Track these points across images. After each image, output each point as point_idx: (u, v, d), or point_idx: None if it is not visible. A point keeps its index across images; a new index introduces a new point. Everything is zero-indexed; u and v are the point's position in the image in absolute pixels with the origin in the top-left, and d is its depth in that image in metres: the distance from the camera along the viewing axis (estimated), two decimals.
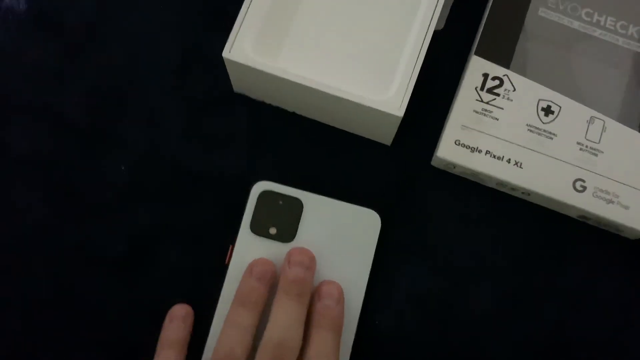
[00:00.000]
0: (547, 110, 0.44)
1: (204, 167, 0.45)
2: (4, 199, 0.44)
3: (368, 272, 0.41)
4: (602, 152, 0.43)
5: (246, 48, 0.41)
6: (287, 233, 0.41)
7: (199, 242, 0.43)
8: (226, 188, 0.44)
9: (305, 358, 0.37)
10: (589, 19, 0.45)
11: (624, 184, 0.42)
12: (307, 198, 0.42)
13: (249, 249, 0.41)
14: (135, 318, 0.42)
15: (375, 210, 0.42)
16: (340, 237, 0.42)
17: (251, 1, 0.42)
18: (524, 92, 0.44)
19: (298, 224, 0.42)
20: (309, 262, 0.40)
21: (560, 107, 0.44)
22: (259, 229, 0.41)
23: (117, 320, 0.42)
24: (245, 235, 0.41)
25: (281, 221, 0.42)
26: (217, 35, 0.46)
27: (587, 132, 0.43)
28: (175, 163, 0.45)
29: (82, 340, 0.42)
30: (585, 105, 0.44)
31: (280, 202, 0.42)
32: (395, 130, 0.43)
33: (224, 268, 0.41)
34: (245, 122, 0.46)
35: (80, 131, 0.45)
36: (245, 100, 0.46)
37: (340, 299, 0.40)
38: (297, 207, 0.42)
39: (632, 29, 0.45)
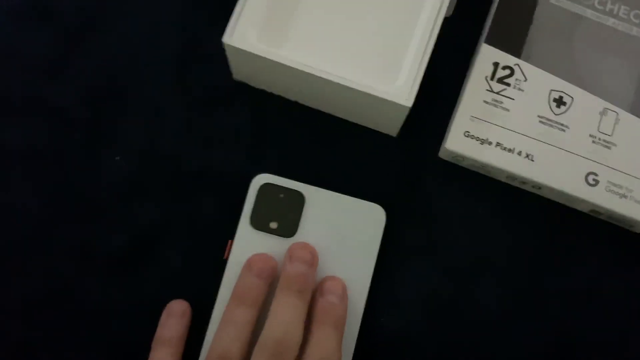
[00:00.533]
0: (559, 102, 0.42)
1: (205, 162, 0.43)
2: (0, 197, 0.43)
3: (372, 268, 0.40)
4: (615, 145, 0.42)
5: (248, 34, 0.39)
6: (288, 227, 0.40)
7: (200, 240, 0.42)
8: (228, 184, 0.43)
9: (306, 355, 0.36)
10: (602, 8, 0.44)
11: (637, 178, 0.41)
12: (309, 191, 0.41)
13: (248, 243, 0.40)
14: (135, 317, 0.41)
15: (379, 204, 0.41)
16: (343, 232, 0.40)
17: None
18: (535, 82, 0.42)
19: (300, 218, 0.40)
20: (311, 257, 0.39)
21: (573, 98, 0.42)
22: (259, 223, 0.40)
23: (117, 319, 0.41)
24: (244, 229, 0.40)
25: (282, 215, 0.40)
26: (218, 28, 0.45)
27: (599, 124, 0.42)
28: (176, 159, 0.44)
29: (82, 340, 0.41)
30: (598, 96, 0.42)
31: (281, 196, 0.40)
32: (402, 121, 0.41)
33: (224, 264, 0.40)
34: (247, 116, 0.44)
35: (78, 126, 0.44)
36: (246, 95, 0.45)
37: (344, 295, 0.38)
38: (298, 200, 0.40)
39: None
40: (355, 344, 0.39)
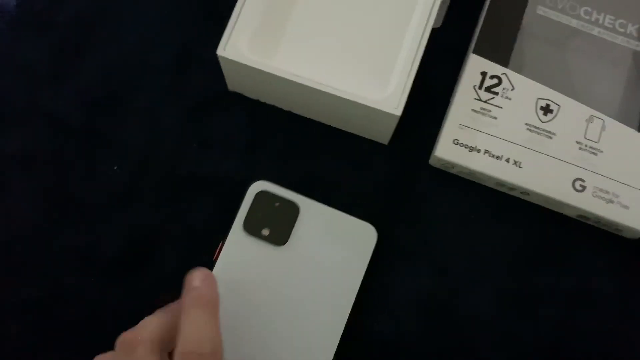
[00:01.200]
0: (546, 109, 0.43)
1: (201, 168, 0.44)
2: None
3: (358, 286, 0.40)
4: (602, 152, 0.42)
5: (241, 46, 0.40)
6: (279, 236, 0.41)
7: (196, 243, 0.43)
8: (223, 189, 0.44)
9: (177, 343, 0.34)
10: (587, 17, 0.45)
11: (623, 184, 0.42)
12: (305, 203, 0.41)
13: (239, 247, 0.40)
14: (133, 319, 0.41)
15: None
16: (334, 247, 0.41)
17: None
18: (522, 90, 0.43)
19: (292, 228, 0.41)
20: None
21: (560, 106, 0.43)
22: (252, 228, 0.41)
23: (115, 322, 0.41)
24: (237, 233, 0.41)
25: (275, 223, 0.41)
26: (213, 35, 0.46)
27: (586, 131, 0.43)
28: (172, 164, 0.44)
29: (81, 342, 0.41)
30: (585, 104, 0.43)
31: (277, 204, 0.41)
32: (392, 129, 0.42)
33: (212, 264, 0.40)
34: (242, 122, 0.45)
35: (75, 132, 0.45)
36: (241, 101, 0.45)
37: (205, 278, 0.36)
38: (293, 211, 0.41)
39: (630, 28, 0.45)
40: (352, 348, 0.40)
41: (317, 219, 0.41)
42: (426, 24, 0.41)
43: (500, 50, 0.44)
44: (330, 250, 0.41)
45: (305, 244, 0.41)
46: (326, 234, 0.41)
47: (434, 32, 0.42)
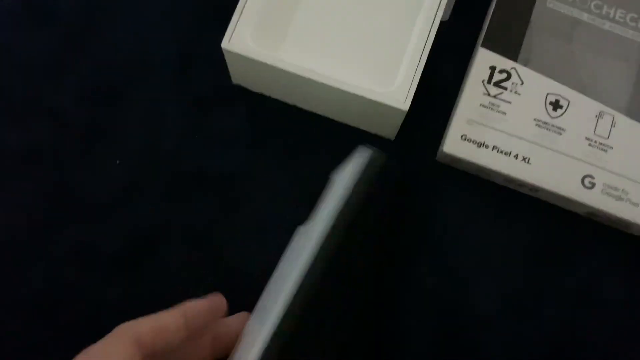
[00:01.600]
0: (556, 105, 0.42)
1: (204, 163, 0.44)
2: (0, 198, 0.43)
3: (330, 218, 0.34)
4: (612, 148, 0.42)
5: (246, 38, 0.40)
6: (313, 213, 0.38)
7: (199, 240, 0.42)
8: (225, 185, 0.43)
9: None
10: (598, 11, 0.44)
11: (633, 181, 0.41)
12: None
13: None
14: (135, 317, 0.41)
15: None
16: (333, 192, 0.36)
17: None
18: (532, 85, 0.43)
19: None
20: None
21: (569, 102, 0.42)
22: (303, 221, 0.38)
23: (116, 321, 0.41)
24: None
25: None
26: (217, 30, 0.45)
27: (596, 127, 0.42)
28: (175, 160, 0.44)
29: (83, 341, 0.41)
30: (594, 99, 0.43)
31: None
32: (399, 124, 0.42)
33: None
34: (246, 117, 0.45)
35: (76, 128, 0.44)
36: (244, 97, 0.45)
37: (211, 299, 0.35)
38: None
39: None
40: (356, 347, 0.39)
41: (338, 180, 0.38)
42: (434, 17, 0.40)
43: (510, 43, 0.43)
44: (329, 199, 0.36)
45: (319, 210, 0.38)
46: (335, 185, 0.37)
47: (441, 25, 0.41)
